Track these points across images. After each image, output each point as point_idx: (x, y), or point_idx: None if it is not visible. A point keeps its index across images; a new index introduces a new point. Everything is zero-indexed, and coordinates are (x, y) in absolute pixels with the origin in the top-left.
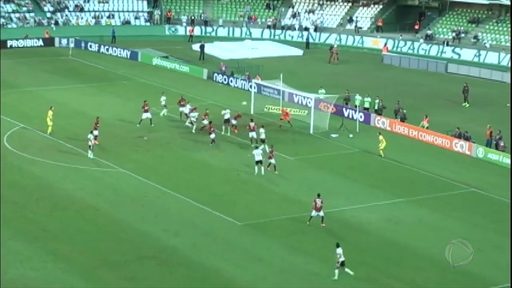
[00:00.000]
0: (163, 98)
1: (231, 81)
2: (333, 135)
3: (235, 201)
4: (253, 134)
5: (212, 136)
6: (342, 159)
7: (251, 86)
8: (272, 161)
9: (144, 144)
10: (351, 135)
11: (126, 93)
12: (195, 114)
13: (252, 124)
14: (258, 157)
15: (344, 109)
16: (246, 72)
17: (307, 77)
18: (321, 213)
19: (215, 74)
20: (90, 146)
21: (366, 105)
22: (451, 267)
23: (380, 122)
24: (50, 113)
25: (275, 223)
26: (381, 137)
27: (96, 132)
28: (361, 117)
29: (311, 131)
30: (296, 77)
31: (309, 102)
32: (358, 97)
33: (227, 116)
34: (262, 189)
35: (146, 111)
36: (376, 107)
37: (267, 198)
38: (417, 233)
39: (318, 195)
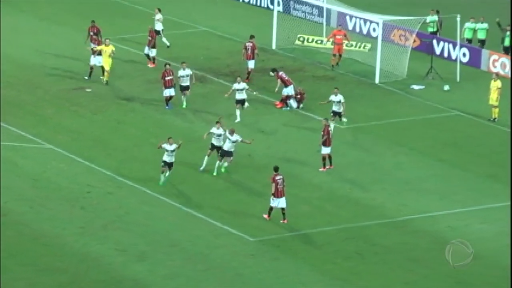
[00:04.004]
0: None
1: None
2: (416, 87)
3: (244, 202)
4: (288, 91)
5: (169, 92)
6: (431, 129)
7: (272, 2)
8: (328, 150)
9: (87, 101)
10: (446, 87)
11: (54, 12)
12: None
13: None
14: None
15: (434, 41)
16: None
17: None
18: (283, 202)
19: None
20: None
21: (481, 35)
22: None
23: (498, 64)
24: (107, 49)
25: (313, 239)
26: (496, 83)
27: None
28: (464, 55)
29: (377, 80)
30: None
31: (374, 30)
32: (469, 25)
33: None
34: (291, 180)
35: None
36: (506, 43)
37: (300, 197)
38: None
39: (276, 170)
